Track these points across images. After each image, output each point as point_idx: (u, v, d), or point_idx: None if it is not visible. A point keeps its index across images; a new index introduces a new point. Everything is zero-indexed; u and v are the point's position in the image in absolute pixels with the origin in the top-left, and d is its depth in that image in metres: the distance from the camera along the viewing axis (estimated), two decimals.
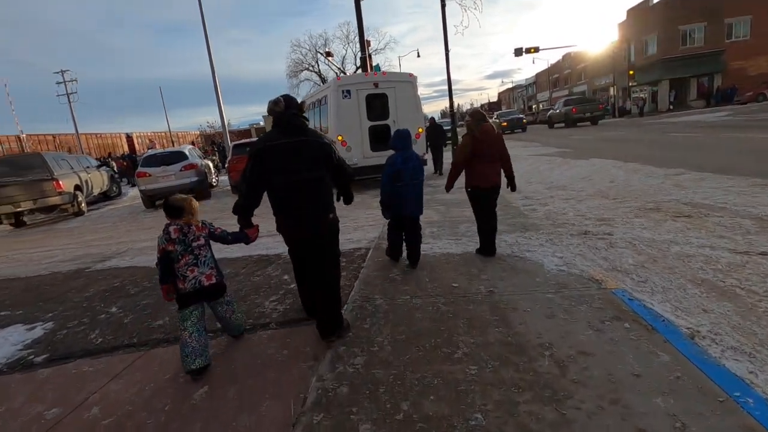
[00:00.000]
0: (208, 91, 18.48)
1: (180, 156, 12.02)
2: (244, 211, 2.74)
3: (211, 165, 15.36)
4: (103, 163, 17.11)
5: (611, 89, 38.57)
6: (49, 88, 37.07)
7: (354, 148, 9.42)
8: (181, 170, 11.67)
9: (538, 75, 62.00)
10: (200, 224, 2.62)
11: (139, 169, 11.72)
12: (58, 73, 39.00)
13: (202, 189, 12.12)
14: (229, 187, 13.03)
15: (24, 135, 34.11)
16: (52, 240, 8.93)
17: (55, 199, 11.75)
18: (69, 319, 3.97)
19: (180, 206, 2.56)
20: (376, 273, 4.24)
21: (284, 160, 2.59)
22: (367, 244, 5.33)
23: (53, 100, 40.27)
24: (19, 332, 3.72)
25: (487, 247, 4.31)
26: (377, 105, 9.82)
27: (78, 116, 36.50)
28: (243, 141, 13.68)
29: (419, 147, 9.88)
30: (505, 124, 28.68)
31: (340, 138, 9.32)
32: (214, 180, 15.31)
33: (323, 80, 37.41)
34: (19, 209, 11.58)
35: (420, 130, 9.89)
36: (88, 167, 14.48)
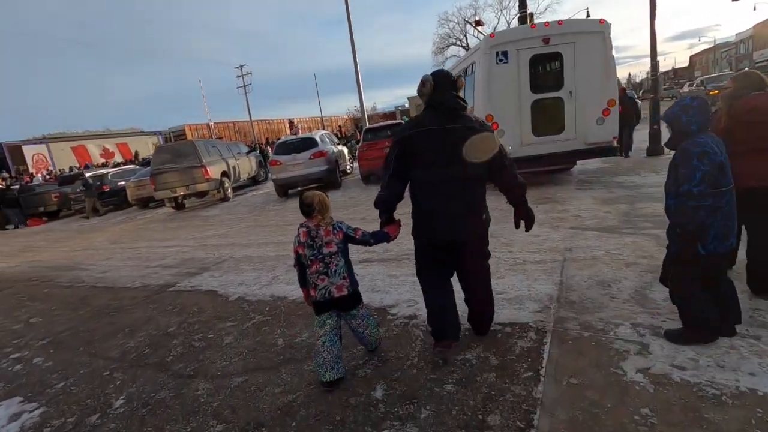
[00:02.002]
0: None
1: (310, 143, 11.16)
2: (386, 204, 2.41)
3: (345, 151, 14.46)
4: (252, 149, 17.93)
5: None
6: (231, 82, 42.53)
7: (508, 131, 6.89)
8: (310, 158, 10.79)
9: (756, 27, 46.42)
10: (332, 227, 2.32)
11: (271, 157, 11.27)
12: (237, 68, 44.47)
13: (331, 179, 11.12)
14: (360, 177, 11.80)
15: (212, 123, 40.17)
16: (184, 231, 8.87)
17: (203, 186, 12.20)
18: (70, 404, 2.74)
19: (309, 203, 2.32)
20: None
21: (432, 150, 2.20)
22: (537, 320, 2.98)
23: (233, 92, 46.36)
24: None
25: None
26: (546, 69, 7.04)
27: (251, 105, 41.07)
28: (374, 125, 12.17)
29: (609, 128, 6.79)
30: (715, 92, 21.45)
31: (488, 118, 6.90)
32: (348, 167, 14.40)
33: None
34: (175, 194, 12.40)
35: (611, 103, 6.76)
36: (238, 153, 15.05)
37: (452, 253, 2.40)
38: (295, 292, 4.01)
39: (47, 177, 24.76)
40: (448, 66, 36.29)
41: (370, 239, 2.42)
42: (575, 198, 6.08)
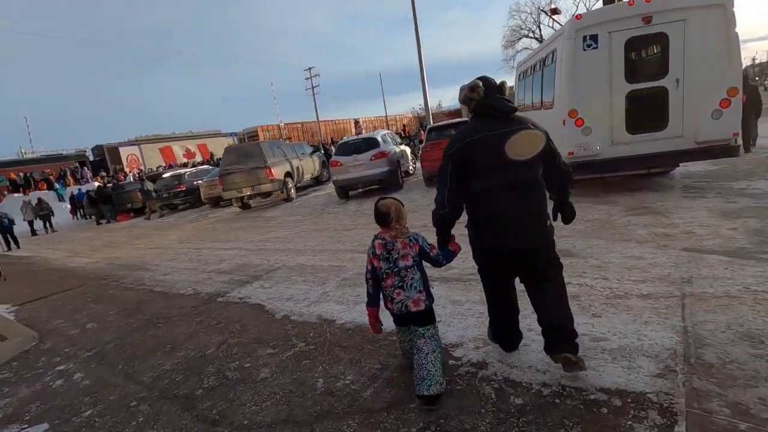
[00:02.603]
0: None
1: (372, 143, 10.75)
2: (448, 225, 2.29)
3: (408, 151, 13.91)
4: (315, 149, 18.04)
5: None
6: (301, 84, 43.85)
7: (596, 128, 5.90)
8: (371, 159, 10.39)
9: None
10: (409, 240, 2.21)
11: (333, 157, 11.04)
12: (306, 70, 45.78)
13: (392, 180, 10.64)
14: (422, 178, 11.19)
15: (282, 124, 41.82)
16: (245, 232, 8.89)
17: (267, 186, 12.35)
18: None
19: (385, 213, 2.22)
20: None
21: (491, 156, 2.10)
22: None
23: (302, 93, 47.90)
24: None
25: None
26: (646, 54, 5.95)
27: (319, 105, 42.09)
28: (438, 124, 11.43)
29: (728, 122, 5.55)
30: None
31: (572, 113, 5.97)
32: (410, 168, 13.85)
33: None
34: (241, 195, 12.69)
35: (732, 92, 5.49)
36: (302, 154, 15.15)
37: (519, 265, 2.26)
38: (344, 314, 3.55)
39: (137, 176, 27.14)
40: (519, 59, 34.40)
41: (442, 260, 2.31)
42: (683, 209, 4.99)
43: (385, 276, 2.22)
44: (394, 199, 2.30)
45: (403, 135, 27.63)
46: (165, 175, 19.10)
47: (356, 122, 44.38)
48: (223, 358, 3.13)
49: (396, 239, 2.20)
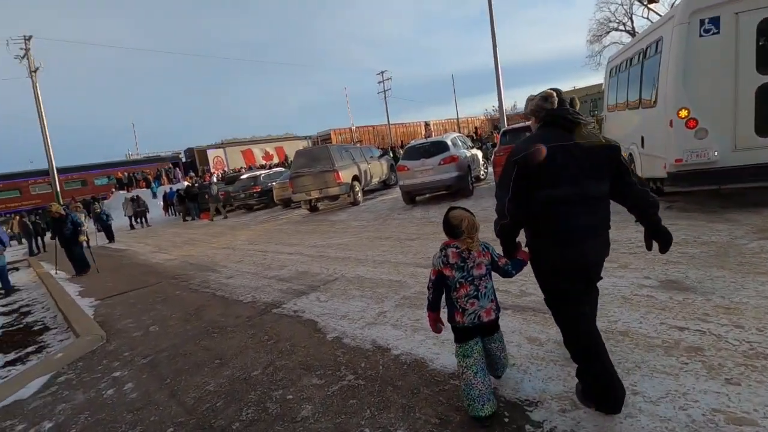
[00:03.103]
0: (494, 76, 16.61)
1: (441, 147, 10.23)
2: (510, 233, 2.22)
3: (479, 155, 13.15)
4: (384, 152, 17.87)
5: None
6: (373, 87, 44.52)
7: (715, 130, 4.88)
8: (440, 164, 9.88)
9: None
10: (482, 247, 2.19)
11: (399, 162, 10.70)
12: (379, 74, 46.26)
13: (461, 186, 10.03)
14: (494, 185, 10.44)
15: (354, 127, 42.64)
16: (310, 236, 8.86)
17: (334, 190, 12.36)
18: None
19: (456, 225, 2.14)
20: None
21: (562, 167, 2.02)
22: None
23: (374, 97, 48.54)
24: None
25: None
26: None
27: (390, 109, 42.39)
28: (513, 126, 10.56)
29: None
30: None
31: (683, 113, 4.99)
32: (482, 173, 13.09)
33: None
34: (309, 197, 12.84)
35: None
36: (370, 157, 15.05)
37: (581, 280, 2.20)
38: (400, 342, 3.14)
39: (220, 176, 29.16)
40: (608, 54, 31.51)
41: (512, 270, 2.26)
42: None
43: (458, 286, 2.15)
44: (466, 210, 2.20)
45: (474, 137, 26.63)
46: (242, 177, 20.17)
47: (426, 125, 43.81)
48: (267, 384, 2.87)
49: (471, 249, 2.15)
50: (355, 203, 12.81)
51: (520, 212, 2.11)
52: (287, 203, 15.95)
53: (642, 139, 6.19)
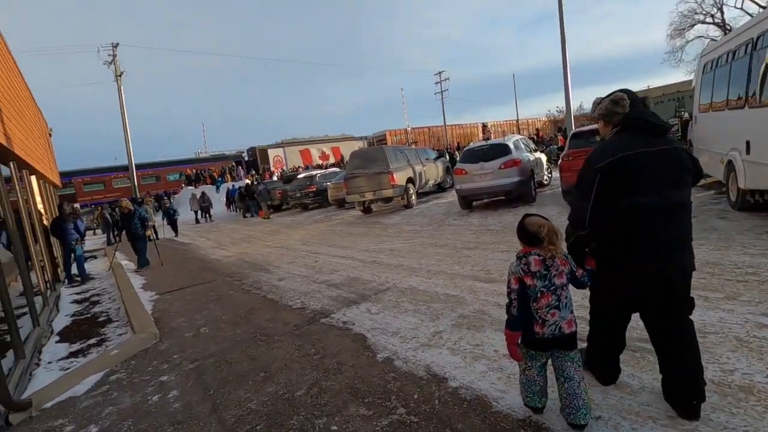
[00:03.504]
0: (560, 75, 15.66)
1: (502, 150, 9.63)
2: (584, 245, 2.15)
3: (543, 159, 12.31)
4: (440, 154, 17.39)
5: None
6: (429, 88, 43.98)
7: None
8: (500, 168, 9.30)
9: None
10: (564, 256, 2.09)
11: (457, 165, 10.23)
12: (436, 74, 45.60)
13: (522, 192, 9.38)
14: (560, 190, 9.65)
15: (409, 128, 42.38)
16: (362, 239, 8.69)
17: (388, 192, 12.13)
18: None
19: (535, 233, 2.05)
20: None
21: (646, 175, 1.95)
22: None
23: (431, 98, 47.97)
24: None
25: None
26: None
27: (447, 110, 41.64)
28: (584, 129, 9.66)
29: None
30: None
31: None
32: (545, 178, 12.25)
33: (727, 33, 25.76)
34: (363, 199, 12.71)
35: None
36: (426, 159, 14.67)
37: (659, 296, 2.04)
38: (459, 372, 2.78)
39: (280, 175, 30.14)
40: (692, 49, 28.68)
41: (587, 281, 2.16)
42: None
43: (539, 295, 2.04)
44: (542, 217, 2.11)
45: (536, 140, 25.28)
46: (299, 176, 20.60)
47: (484, 126, 42.49)
48: (310, 408, 2.63)
49: (555, 256, 2.05)
50: (408, 206, 12.50)
51: (600, 222, 2.02)
52: (341, 203, 15.99)
53: (747, 144, 5.30)
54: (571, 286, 2.12)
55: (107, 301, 6.64)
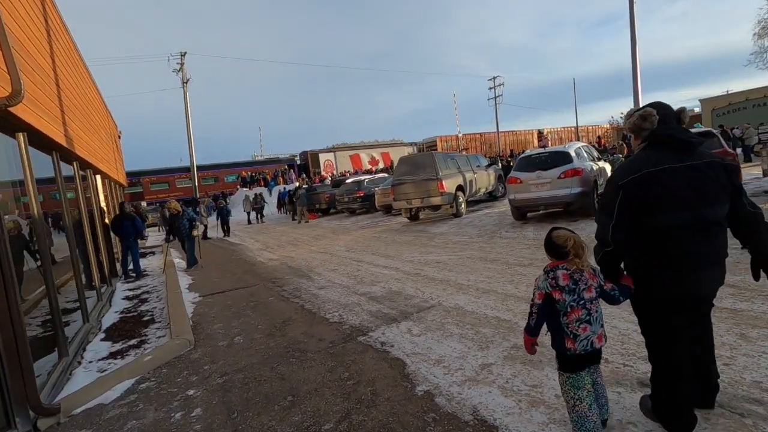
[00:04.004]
0: (624, 80, 14.63)
1: (562, 158, 8.89)
2: (613, 261, 2.07)
3: (608, 168, 11.32)
4: (492, 161, 16.65)
5: None
6: (483, 94, 42.84)
7: None
8: (559, 177, 8.58)
9: None
10: (593, 269, 2.07)
11: (511, 173, 9.60)
12: (490, 80, 44.40)
13: (584, 203, 8.59)
14: None
15: (461, 134, 41.52)
16: (407, 249, 8.32)
17: (436, 199, 11.69)
18: None
19: (561, 245, 2.00)
20: None
21: (674, 191, 1.91)
22: None
23: (484, 104, 46.75)
24: None
25: None
26: None
27: (501, 116, 40.42)
28: None
29: None
30: None
31: None
32: None
33: None
34: (410, 206, 12.36)
35: None
36: (477, 166, 14.07)
37: (695, 311, 2.07)
38: (511, 421, 2.35)
39: (330, 179, 30.53)
40: None
41: (619, 296, 2.08)
42: None
43: (569, 310, 1.98)
44: (570, 231, 2.04)
45: (598, 148, 23.67)
46: (348, 181, 20.64)
47: (540, 133, 40.63)
48: None
49: (583, 270, 2.01)
50: (457, 215, 11.99)
51: (624, 239, 1.98)
52: (388, 209, 15.75)
53: None
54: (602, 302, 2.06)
55: (154, 299, 6.76)
